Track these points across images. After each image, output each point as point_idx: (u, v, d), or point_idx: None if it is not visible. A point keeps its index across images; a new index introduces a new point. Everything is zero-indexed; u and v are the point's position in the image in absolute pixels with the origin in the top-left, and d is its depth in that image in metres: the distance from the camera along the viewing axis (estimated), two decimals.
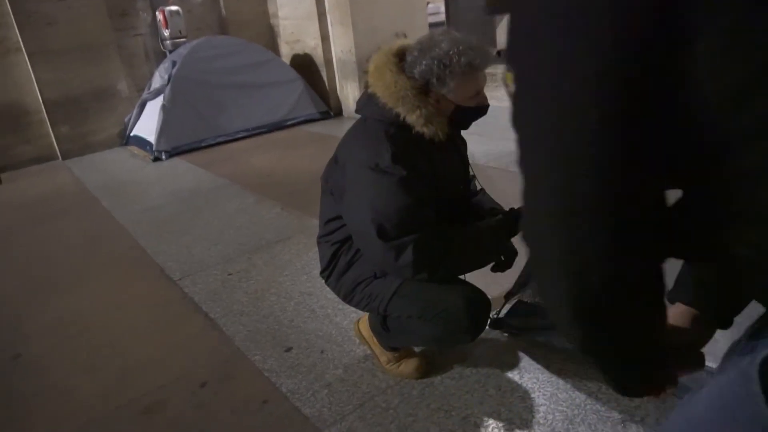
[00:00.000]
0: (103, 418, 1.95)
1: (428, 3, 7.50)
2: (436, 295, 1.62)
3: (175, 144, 5.55)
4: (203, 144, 5.69)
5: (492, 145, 4.40)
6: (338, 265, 1.82)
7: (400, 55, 1.64)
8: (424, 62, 1.56)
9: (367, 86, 1.71)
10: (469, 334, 1.64)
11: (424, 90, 1.59)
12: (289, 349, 2.19)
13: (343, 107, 6.57)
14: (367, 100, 1.68)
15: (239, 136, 5.87)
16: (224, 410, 1.91)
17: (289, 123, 6.16)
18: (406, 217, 1.55)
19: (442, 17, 11.53)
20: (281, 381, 2.01)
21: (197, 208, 4.02)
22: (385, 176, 1.56)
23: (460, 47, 1.54)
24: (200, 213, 3.90)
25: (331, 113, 6.48)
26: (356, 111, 1.77)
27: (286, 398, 1.92)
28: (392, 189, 1.55)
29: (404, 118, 1.59)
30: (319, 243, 1.92)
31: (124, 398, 2.03)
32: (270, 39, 7.18)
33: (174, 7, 6.51)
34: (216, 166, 5.01)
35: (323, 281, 1.92)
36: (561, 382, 1.79)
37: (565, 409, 1.69)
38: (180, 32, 6.50)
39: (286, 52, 7.00)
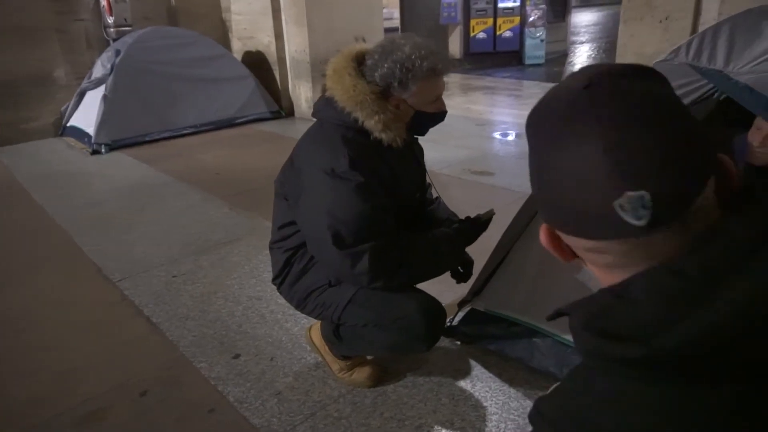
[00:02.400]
0: (38, 428, 1.82)
1: (383, 8, 7.51)
2: (392, 304, 1.61)
3: (117, 137, 5.30)
4: (147, 138, 5.46)
5: (445, 152, 4.46)
6: (291, 273, 1.77)
7: (359, 59, 1.62)
8: (385, 65, 1.53)
9: (324, 89, 1.67)
10: (425, 342, 1.63)
11: (383, 95, 1.57)
12: (237, 356, 2.12)
13: (295, 107, 6.48)
14: (325, 104, 1.64)
15: (186, 131, 5.67)
16: (168, 419, 1.82)
17: (239, 121, 6.01)
18: (363, 224, 1.52)
19: (397, 23, 11.62)
20: (228, 389, 1.93)
21: (140, 205, 3.84)
22: (342, 182, 1.53)
23: (422, 51, 1.53)
24: (143, 210, 3.73)
25: (283, 113, 6.37)
26: (313, 114, 1.73)
27: (234, 407, 1.85)
28: (349, 195, 1.52)
29: (362, 123, 1.56)
30: (271, 249, 1.87)
31: (60, 406, 1.90)
32: (222, 33, 6.99)
33: None
34: (161, 162, 4.82)
35: (274, 287, 1.86)
36: (513, 390, 1.82)
37: (516, 417, 1.71)
38: (125, 20, 6.22)
39: (238, 48, 6.84)
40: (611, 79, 0.54)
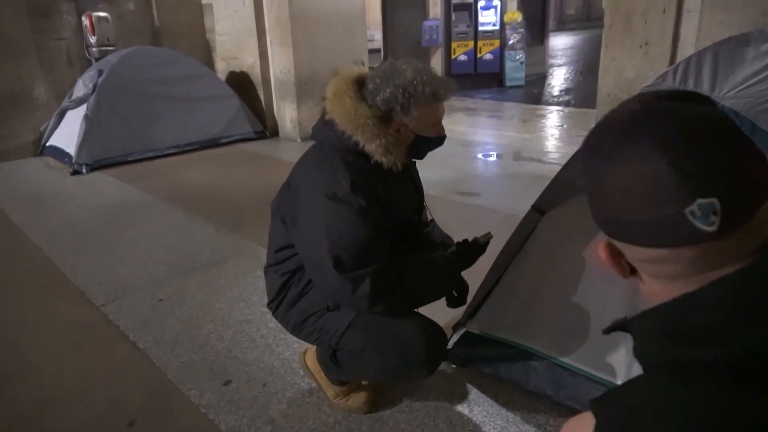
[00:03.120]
0: None
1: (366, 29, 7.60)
2: (392, 329, 1.59)
3: (98, 157, 5.22)
4: (130, 158, 5.39)
5: (431, 173, 4.46)
6: (288, 296, 1.75)
7: (359, 83, 1.63)
8: (387, 90, 1.54)
9: (323, 112, 1.67)
10: (426, 368, 1.61)
11: (384, 119, 1.58)
12: (227, 382, 2.07)
13: (280, 128, 6.47)
14: (324, 126, 1.64)
15: (170, 151, 5.62)
16: None
17: (223, 141, 5.98)
18: (365, 248, 1.51)
19: (379, 44, 11.75)
20: (220, 417, 1.88)
21: (123, 226, 3.77)
22: (343, 206, 1.52)
23: (424, 77, 1.54)
24: (126, 231, 3.66)
25: (267, 133, 6.36)
26: (311, 137, 1.73)
27: None
28: (351, 219, 1.51)
29: (363, 147, 1.56)
30: (266, 272, 1.84)
31: None
32: (205, 53, 6.98)
33: (102, 13, 6.19)
34: (144, 182, 4.75)
35: (266, 310, 1.83)
36: (510, 414, 1.81)
37: None
38: (108, 40, 6.19)
39: (222, 68, 6.83)
40: (667, 101, 0.59)
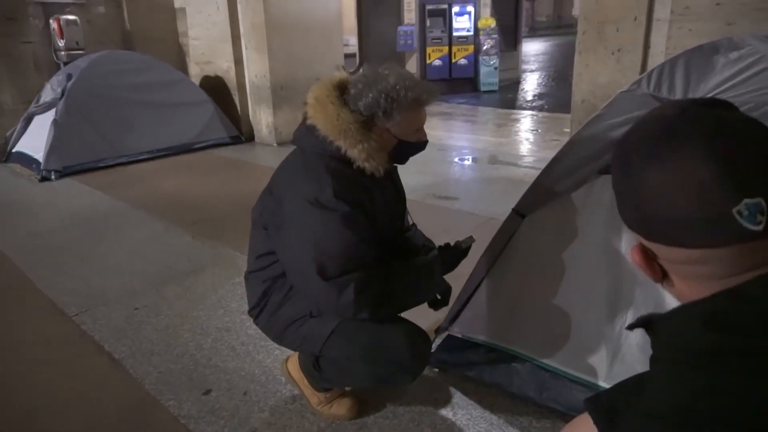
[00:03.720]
0: None
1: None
2: (376, 335, 1.58)
3: (68, 163, 5.10)
4: (101, 164, 5.27)
5: (409, 177, 4.44)
6: (269, 303, 1.73)
7: (341, 87, 1.62)
8: (370, 95, 1.54)
9: (305, 117, 1.66)
10: (411, 374, 1.61)
11: (367, 124, 1.57)
12: (207, 392, 2.03)
13: (255, 133, 6.42)
14: (306, 132, 1.63)
15: (143, 157, 5.52)
16: None
17: (198, 146, 5.90)
18: (349, 254, 1.51)
19: (354, 49, 11.77)
20: (200, 428, 1.85)
21: (95, 235, 3.67)
22: (327, 212, 1.51)
23: (407, 82, 1.55)
24: (99, 241, 3.57)
25: (243, 138, 6.30)
26: (292, 142, 1.71)
27: None
28: (335, 225, 1.50)
29: (345, 152, 1.56)
30: (247, 279, 1.81)
31: None
32: (179, 58, 6.89)
33: (71, 17, 6.06)
34: (117, 189, 4.65)
35: (246, 318, 1.81)
36: (494, 417, 1.81)
37: None
38: (77, 44, 6.06)
39: (196, 73, 6.75)
40: (701, 107, 0.61)
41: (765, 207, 0.54)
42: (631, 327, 0.72)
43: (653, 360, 0.68)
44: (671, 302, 1.72)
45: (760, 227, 0.54)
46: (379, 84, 1.52)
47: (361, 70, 1.69)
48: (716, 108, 0.62)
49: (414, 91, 1.53)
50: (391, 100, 1.51)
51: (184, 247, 3.40)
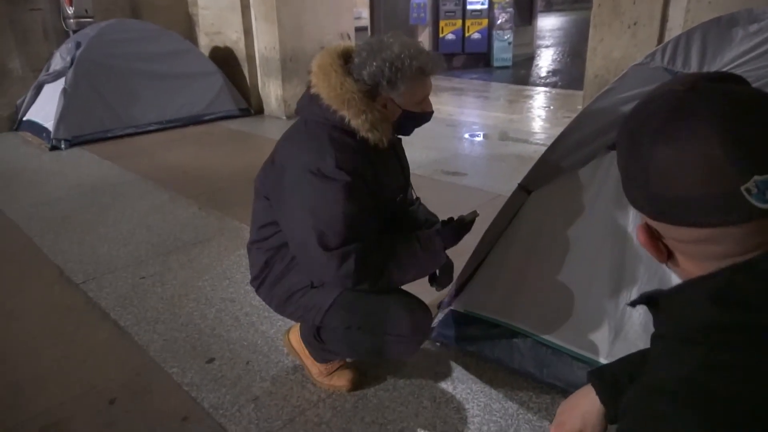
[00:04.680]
0: None
1: (353, 7, 7.48)
2: (377, 306, 1.58)
3: (77, 132, 5.10)
4: (110, 134, 5.27)
5: (417, 152, 4.45)
6: (271, 274, 1.73)
7: (345, 57, 1.59)
8: (374, 64, 1.50)
9: (309, 86, 1.63)
10: (411, 345, 1.61)
11: (371, 94, 1.54)
12: (210, 360, 2.05)
13: (265, 105, 6.37)
14: (309, 101, 1.60)
15: (151, 128, 5.51)
16: (138, 429, 1.75)
17: (206, 118, 5.87)
18: (349, 225, 1.49)
19: (365, 23, 11.59)
20: (203, 395, 1.87)
21: (103, 204, 3.69)
22: (328, 182, 1.49)
23: (412, 50, 1.51)
24: (107, 210, 3.59)
25: (252, 111, 6.26)
26: (296, 112, 1.69)
27: (209, 414, 1.78)
28: (335, 195, 1.49)
29: (349, 122, 1.53)
30: (249, 249, 1.81)
31: (18, 417, 1.80)
32: (188, 28, 6.82)
33: None
34: (125, 160, 4.65)
35: (250, 288, 1.81)
36: (494, 392, 1.82)
37: (498, 419, 1.71)
38: (86, 11, 6.00)
39: (205, 43, 6.68)
40: (711, 82, 0.59)
41: None
42: (633, 304, 0.71)
43: (655, 337, 0.67)
44: (675, 281, 1.70)
45: None
46: (383, 53, 1.49)
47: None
48: (727, 83, 0.60)
49: (419, 60, 1.49)
50: (395, 69, 1.48)
51: (190, 218, 3.41)
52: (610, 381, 0.92)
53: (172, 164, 4.57)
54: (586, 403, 0.92)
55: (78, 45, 5.26)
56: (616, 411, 0.85)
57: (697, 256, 0.60)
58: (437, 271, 1.82)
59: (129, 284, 2.62)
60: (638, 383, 0.62)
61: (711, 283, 0.57)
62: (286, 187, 1.57)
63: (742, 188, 0.53)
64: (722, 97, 0.57)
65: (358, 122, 1.52)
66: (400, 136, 1.74)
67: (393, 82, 1.50)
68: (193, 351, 2.11)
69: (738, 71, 1.65)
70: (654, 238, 0.64)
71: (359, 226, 1.51)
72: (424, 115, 1.64)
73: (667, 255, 0.64)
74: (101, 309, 2.42)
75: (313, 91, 1.58)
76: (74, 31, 5.85)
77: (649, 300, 0.66)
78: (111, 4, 6.31)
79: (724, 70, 1.68)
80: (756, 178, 0.52)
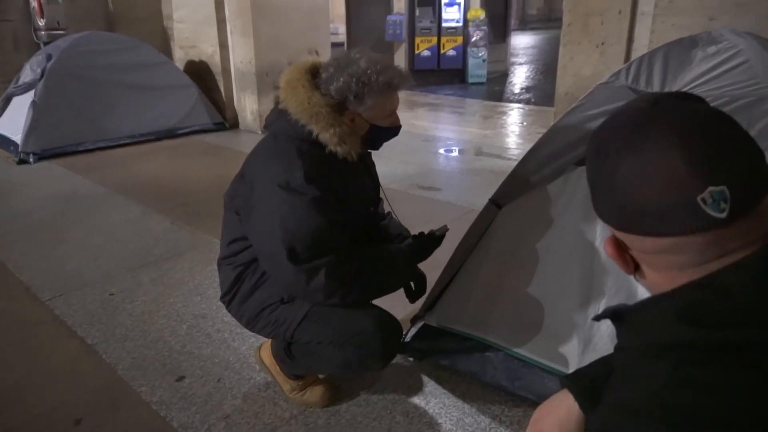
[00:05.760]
0: None
1: (330, 22, 7.53)
2: (347, 320, 1.58)
3: (47, 146, 5.00)
4: (81, 148, 5.18)
5: (392, 167, 4.49)
6: (241, 289, 1.71)
7: (313, 72, 1.60)
8: (341, 79, 1.52)
9: (277, 102, 1.64)
10: (381, 360, 1.61)
11: (339, 108, 1.56)
12: (181, 378, 2.01)
13: (240, 119, 6.35)
14: (278, 116, 1.61)
15: (124, 141, 5.43)
16: None
17: (180, 132, 5.81)
18: (319, 239, 1.49)
19: (342, 38, 11.68)
20: (172, 414, 1.83)
21: (72, 218, 3.62)
22: (297, 195, 1.49)
23: (378, 66, 1.53)
24: (76, 224, 3.51)
25: (227, 125, 6.22)
26: (265, 127, 1.69)
27: None
28: (305, 209, 1.49)
29: (317, 136, 1.54)
30: (220, 265, 1.79)
31: None
32: (163, 41, 6.78)
33: None
34: (96, 173, 4.57)
35: (222, 304, 1.79)
36: (466, 406, 1.82)
37: None
38: (58, 23, 5.94)
39: (180, 56, 6.64)
40: (673, 99, 0.63)
41: (728, 195, 0.55)
42: (598, 318, 0.73)
43: (618, 349, 0.68)
44: (643, 293, 1.74)
45: (724, 215, 0.55)
46: (350, 68, 1.51)
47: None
48: (687, 101, 0.64)
49: (386, 75, 1.51)
50: (362, 84, 1.50)
51: (162, 233, 3.36)
52: (587, 385, 0.92)
53: (145, 178, 4.51)
54: (562, 409, 0.92)
55: (49, 57, 5.18)
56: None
57: (661, 266, 0.62)
58: (412, 284, 1.84)
59: (97, 300, 2.57)
60: (606, 402, 0.63)
61: (675, 300, 0.59)
62: (256, 202, 1.56)
63: (698, 198, 0.55)
64: (682, 114, 0.60)
65: (326, 136, 1.53)
66: (369, 150, 1.76)
67: (360, 97, 1.52)
68: (163, 368, 2.07)
69: (697, 91, 1.71)
70: (621, 250, 0.66)
71: (329, 240, 1.51)
72: (392, 130, 1.66)
73: (634, 267, 0.66)
74: (68, 326, 2.36)
75: (281, 106, 1.59)
76: (45, 43, 5.77)
77: (614, 314, 0.68)
78: (84, 17, 6.25)
79: (685, 89, 1.75)
80: (711, 188, 0.55)
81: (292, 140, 1.56)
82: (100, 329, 2.33)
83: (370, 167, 1.83)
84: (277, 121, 1.60)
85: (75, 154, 5.10)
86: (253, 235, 1.61)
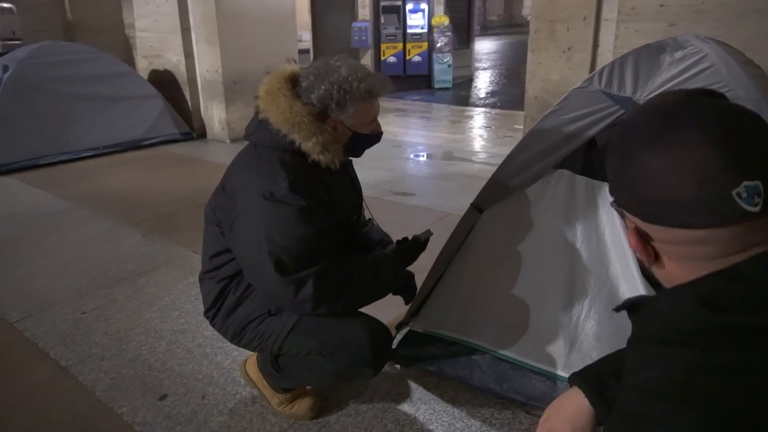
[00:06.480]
0: None
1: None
2: (337, 330, 1.56)
3: (5, 161, 4.83)
4: (42, 161, 5.01)
5: (365, 173, 4.44)
6: (226, 303, 1.68)
7: (293, 80, 1.59)
8: (322, 87, 1.52)
9: (257, 111, 1.62)
10: (373, 367, 1.60)
11: (320, 116, 1.55)
12: (163, 397, 1.96)
13: (208, 129, 6.25)
14: (258, 126, 1.59)
15: (88, 154, 5.27)
16: None
17: (147, 143, 5.69)
18: (306, 249, 1.48)
19: (308, 45, 11.65)
20: None
21: (38, 235, 3.49)
22: (282, 206, 1.48)
23: (359, 73, 1.53)
24: (42, 241, 3.39)
25: (194, 135, 6.12)
26: (245, 137, 1.67)
27: None
28: (290, 220, 1.48)
29: (299, 145, 1.53)
30: (201, 280, 1.76)
31: None
32: (125, 51, 6.63)
33: (7, 4, 5.74)
34: (60, 187, 4.43)
35: (201, 319, 1.76)
36: (456, 410, 1.83)
37: None
38: (14, 33, 5.76)
39: (144, 66, 6.51)
40: (700, 95, 0.65)
41: (762, 189, 0.57)
42: (617, 309, 0.75)
43: (634, 341, 0.68)
44: (624, 291, 1.77)
45: (757, 209, 0.57)
46: (331, 76, 1.51)
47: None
48: (711, 97, 0.66)
49: (366, 82, 1.51)
50: (343, 91, 1.49)
51: (134, 247, 3.28)
52: (595, 381, 0.93)
53: (111, 190, 4.38)
54: (572, 406, 0.92)
55: (5, 68, 5.00)
56: (606, 412, 0.87)
57: (685, 257, 0.64)
58: (403, 286, 1.84)
59: (69, 320, 2.48)
60: (627, 389, 0.64)
61: (699, 287, 0.61)
62: (240, 214, 1.54)
63: (734, 192, 0.57)
64: (713, 109, 0.62)
65: (309, 145, 1.52)
66: (351, 158, 1.75)
67: (342, 105, 1.52)
68: (144, 388, 2.01)
69: None
70: (644, 241, 0.67)
71: (316, 250, 1.50)
72: (373, 137, 1.66)
73: (654, 257, 0.68)
74: (39, 348, 2.27)
75: (261, 116, 1.57)
76: (1, 54, 5.56)
77: (632, 306, 0.70)
78: (42, 27, 6.05)
79: (656, 92, 1.80)
80: (745, 183, 0.57)
81: (273, 151, 1.55)
82: (74, 350, 2.25)
83: (352, 175, 1.83)
84: (257, 131, 1.58)
85: (36, 168, 4.93)
86: (237, 247, 1.58)
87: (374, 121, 1.65)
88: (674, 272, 0.66)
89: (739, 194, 0.57)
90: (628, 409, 0.61)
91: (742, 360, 0.55)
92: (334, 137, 1.58)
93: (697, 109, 0.62)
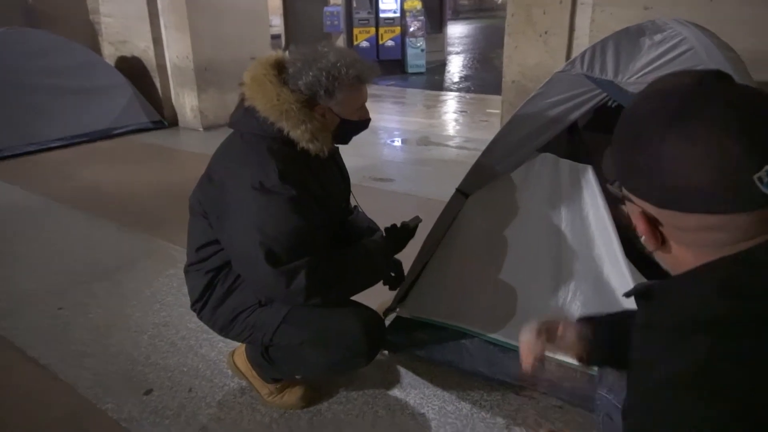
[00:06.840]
0: None
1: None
2: (329, 320, 1.56)
3: None
4: (7, 153, 4.82)
5: (346, 160, 4.44)
6: (214, 295, 1.65)
7: (279, 67, 1.56)
8: (311, 73, 1.49)
9: (242, 99, 1.59)
10: (366, 357, 1.60)
11: (308, 104, 1.52)
12: (149, 392, 1.93)
13: (179, 117, 6.10)
14: (244, 114, 1.55)
15: (56, 145, 5.10)
16: None
17: (117, 132, 5.53)
18: (297, 239, 1.46)
19: (279, 30, 11.43)
20: (144, 430, 1.75)
21: (8, 231, 3.37)
22: (272, 196, 1.45)
23: (347, 59, 1.51)
24: (12, 239, 3.27)
25: (165, 123, 5.97)
26: (230, 125, 1.63)
27: None
28: (281, 210, 1.45)
29: (288, 133, 1.50)
30: (187, 272, 1.72)
31: None
32: (90, 37, 6.39)
33: None
34: (29, 180, 4.28)
35: (184, 311, 1.73)
36: (446, 394, 1.85)
37: (454, 420, 1.74)
38: None
39: (110, 53, 6.30)
40: (715, 78, 0.63)
41: None
42: (628, 294, 0.74)
43: (642, 327, 0.68)
44: (609, 273, 1.80)
45: None
46: (319, 62, 1.48)
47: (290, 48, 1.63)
48: (729, 80, 0.64)
49: (355, 68, 1.49)
50: (332, 78, 1.47)
51: (110, 240, 3.20)
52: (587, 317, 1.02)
53: (83, 183, 4.25)
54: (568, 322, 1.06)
55: None
56: (595, 342, 0.97)
57: (697, 243, 0.63)
58: (392, 273, 1.84)
59: (47, 318, 2.41)
60: (643, 381, 0.63)
61: (715, 274, 0.60)
62: (229, 205, 1.51)
63: (755, 177, 0.56)
64: (730, 93, 0.61)
65: (297, 133, 1.50)
66: (337, 145, 1.73)
67: (330, 91, 1.49)
68: (129, 383, 1.97)
69: (649, 77, 1.79)
70: (652, 226, 0.66)
71: (307, 240, 1.48)
72: (362, 123, 1.65)
73: (661, 242, 0.67)
74: (17, 348, 2.20)
75: (247, 103, 1.54)
76: None
77: (644, 292, 0.69)
78: None
79: (637, 75, 1.83)
80: (767, 167, 0.56)
81: (261, 139, 1.51)
82: (54, 348, 2.19)
83: (340, 163, 1.81)
84: (243, 119, 1.55)
85: (1, 160, 4.75)
86: (226, 239, 1.55)
87: (363, 107, 1.63)
88: (682, 257, 0.65)
89: (760, 179, 0.56)
90: (644, 399, 0.61)
91: (758, 348, 0.55)
92: (323, 125, 1.55)
93: (713, 93, 0.61)
